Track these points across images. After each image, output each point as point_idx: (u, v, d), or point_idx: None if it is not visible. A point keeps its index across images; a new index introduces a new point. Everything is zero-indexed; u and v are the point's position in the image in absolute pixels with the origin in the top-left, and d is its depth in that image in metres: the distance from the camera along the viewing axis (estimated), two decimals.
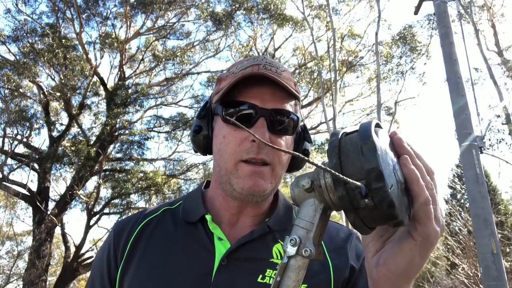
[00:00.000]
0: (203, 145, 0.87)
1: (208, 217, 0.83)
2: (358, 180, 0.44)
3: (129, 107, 12.15)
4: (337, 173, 0.45)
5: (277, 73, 0.81)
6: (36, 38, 11.98)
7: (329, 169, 0.46)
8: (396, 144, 0.52)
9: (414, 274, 0.56)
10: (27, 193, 11.68)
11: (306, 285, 0.75)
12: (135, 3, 12.85)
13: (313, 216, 0.48)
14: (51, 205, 12.02)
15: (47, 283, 11.68)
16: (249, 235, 0.81)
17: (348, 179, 0.44)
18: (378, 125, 0.51)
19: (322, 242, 0.80)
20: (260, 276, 0.77)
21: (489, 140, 10.53)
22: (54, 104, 13.41)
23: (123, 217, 1.05)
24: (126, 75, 13.51)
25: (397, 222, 0.46)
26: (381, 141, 0.48)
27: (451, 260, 10.18)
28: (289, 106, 0.83)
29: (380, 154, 0.45)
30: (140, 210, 0.99)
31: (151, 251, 0.83)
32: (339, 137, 0.49)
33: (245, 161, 0.78)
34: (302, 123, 0.89)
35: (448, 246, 10.22)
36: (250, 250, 0.80)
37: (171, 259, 0.80)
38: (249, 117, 0.79)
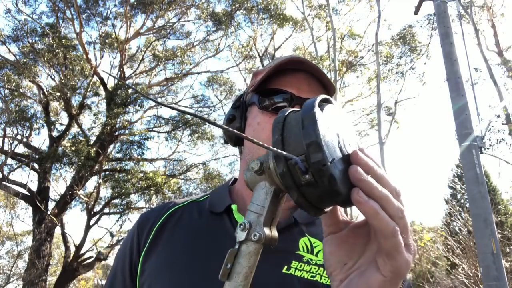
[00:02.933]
0: (234, 136, 0.87)
1: (234, 206, 0.83)
2: (298, 155, 0.42)
3: (129, 107, 12.16)
4: (273, 148, 0.43)
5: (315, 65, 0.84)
6: (36, 38, 11.98)
7: (264, 144, 0.44)
8: (351, 175, 0.45)
9: None
10: (27, 193, 11.68)
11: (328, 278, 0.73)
12: (135, 3, 12.85)
13: (264, 199, 0.46)
14: (51, 205, 12.03)
15: (47, 283, 11.68)
16: None
17: (284, 153, 0.42)
18: (327, 100, 0.50)
19: None
20: (285, 267, 0.75)
21: (489, 140, 10.52)
22: (54, 104, 13.41)
23: (148, 209, 1.06)
24: (126, 75, 13.52)
25: (343, 200, 0.44)
26: (326, 115, 0.46)
27: (451, 260, 10.17)
28: None
29: (320, 128, 0.43)
30: (164, 202, 0.98)
31: (174, 239, 0.83)
32: (286, 114, 0.47)
33: None
34: None
35: (448, 246, 10.22)
36: None
37: (194, 247, 0.80)
38: (285, 104, 0.80)
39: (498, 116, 11.69)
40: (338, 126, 0.47)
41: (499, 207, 13.01)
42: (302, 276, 0.73)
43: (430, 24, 14.77)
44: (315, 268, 0.75)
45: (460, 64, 6.34)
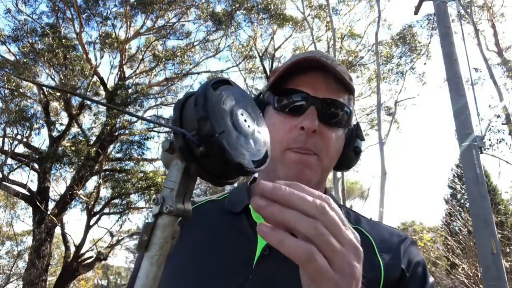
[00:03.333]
0: None
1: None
2: (192, 130, 0.46)
3: (129, 107, 12.16)
4: (169, 125, 0.48)
5: (332, 64, 0.80)
6: (36, 38, 11.98)
7: (162, 122, 0.48)
8: (253, 205, 0.45)
9: None
10: (27, 193, 11.69)
11: None
12: (135, 3, 12.85)
13: (176, 175, 0.50)
14: (51, 205, 12.03)
15: (47, 283, 11.68)
16: None
17: (178, 129, 0.47)
18: (227, 82, 0.54)
19: (374, 242, 0.80)
20: None
21: (489, 140, 10.53)
22: (54, 104, 13.41)
23: None
24: (126, 75, 13.52)
25: (236, 169, 0.47)
26: (219, 94, 0.50)
27: (451, 260, 10.17)
28: (342, 99, 0.81)
29: (210, 103, 0.47)
30: None
31: (192, 238, 0.82)
32: (188, 95, 0.51)
33: (291, 150, 0.77)
34: (355, 120, 0.87)
35: (448, 246, 10.22)
36: None
37: (211, 247, 0.79)
38: (300, 105, 0.78)
39: (498, 116, 11.70)
40: (234, 104, 0.52)
41: (499, 207, 13.01)
42: None
43: (430, 24, 14.77)
44: None
45: (460, 64, 6.34)
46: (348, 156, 0.86)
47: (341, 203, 0.92)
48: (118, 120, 11.73)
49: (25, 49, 11.79)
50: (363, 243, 0.78)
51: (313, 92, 0.78)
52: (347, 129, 0.84)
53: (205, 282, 0.75)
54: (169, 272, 0.78)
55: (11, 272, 15.44)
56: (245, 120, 0.52)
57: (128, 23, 13.15)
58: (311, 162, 0.77)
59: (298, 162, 0.76)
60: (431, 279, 0.80)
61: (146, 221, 0.50)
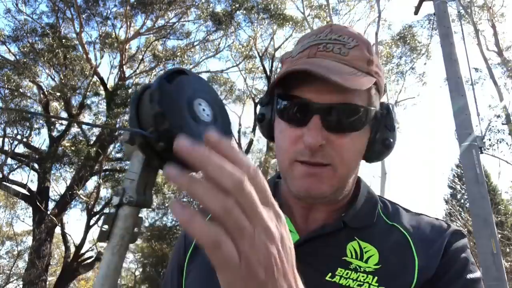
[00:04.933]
0: (267, 132, 0.79)
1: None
2: (150, 127, 0.46)
3: (129, 107, 12.16)
4: (120, 128, 0.48)
5: (340, 54, 0.67)
6: (36, 38, 11.99)
7: (117, 126, 0.46)
8: (164, 174, 0.41)
9: None
10: (27, 193, 11.69)
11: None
12: (135, 3, 12.85)
13: (137, 167, 0.49)
14: (51, 205, 12.03)
15: (47, 283, 11.68)
16: (320, 229, 0.73)
17: (130, 129, 0.47)
18: (182, 72, 0.53)
19: (411, 240, 0.73)
20: (329, 274, 0.68)
21: (489, 140, 10.55)
22: (54, 104, 13.42)
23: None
24: (126, 75, 13.52)
25: None
26: (176, 86, 0.49)
27: None
28: (357, 95, 0.67)
29: (165, 97, 0.47)
30: None
31: None
32: (144, 88, 0.51)
33: (300, 162, 0.68)
34: (380, 109, 0.74)
35: None
36: (320, 245, 0.72)
37: None
38: (301, 114, 0.67)
39: (498, 116, 11.71)
40: (191, 94, 0.51)
41: (499, 207, 13.02)
42: (347, 284, 0.66)
43: (430, 24, 14.77)
44: (363, 276, 0.67)
45: (460, 64, 6.34)
46: (375, 149, 0.75)
47: (379, 196, 0.87)
48: (118, 120, 11.73)
49: (25, 49, 11.79)
50: (398, 242, 0.73)
51: (316, 97, 0.66)
52: (372, 121, 0.72)
53: None
54: (198, 277, 0.78)
55: (11, 272, 15.44)
56: (203, 110, 0.51)
57: (128, 23, 13.15)
58: (322, 175, 0.68)
59: (307, 175, 0.68)
60: (472, 275, 0.69)
61: (107, 212, 0.49)
